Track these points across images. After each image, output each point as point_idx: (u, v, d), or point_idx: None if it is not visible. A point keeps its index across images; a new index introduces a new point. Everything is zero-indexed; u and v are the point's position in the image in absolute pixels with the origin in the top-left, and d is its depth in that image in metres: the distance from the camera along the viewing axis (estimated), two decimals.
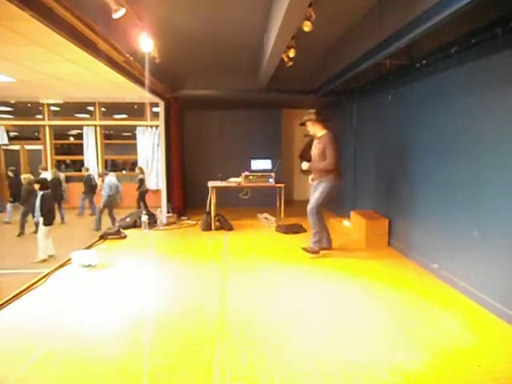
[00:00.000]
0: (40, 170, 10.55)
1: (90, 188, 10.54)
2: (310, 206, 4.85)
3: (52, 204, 7.15)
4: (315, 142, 4.97)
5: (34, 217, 7.50)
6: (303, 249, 4.92)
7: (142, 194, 10.36)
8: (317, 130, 4.93)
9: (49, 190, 6.99)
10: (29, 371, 2.46)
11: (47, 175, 10.02)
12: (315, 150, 4.91)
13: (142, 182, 10.43)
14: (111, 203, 9.13)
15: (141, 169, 10.67)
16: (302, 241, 5.49)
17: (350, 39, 4.73)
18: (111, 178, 9.23)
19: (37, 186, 6.92)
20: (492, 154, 3.34)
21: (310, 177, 5.11)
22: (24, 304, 3.54)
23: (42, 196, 6.72)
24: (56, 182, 10.17)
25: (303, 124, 5.05)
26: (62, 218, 10.20)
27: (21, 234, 8.72)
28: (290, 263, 4.71)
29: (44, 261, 6.60)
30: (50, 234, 6.88)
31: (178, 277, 4.30)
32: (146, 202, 10.24)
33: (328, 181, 4.75)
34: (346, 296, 3.70)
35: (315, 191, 4.87)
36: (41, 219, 6.71)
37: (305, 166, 4.99)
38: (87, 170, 10.93)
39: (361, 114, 6.78)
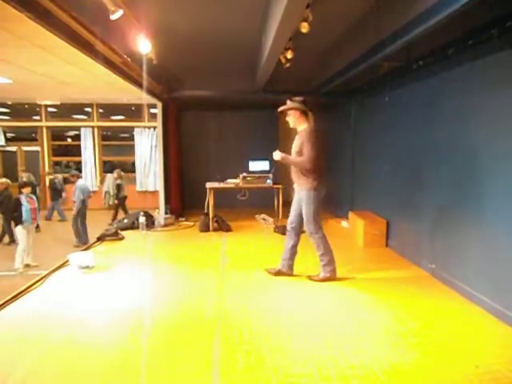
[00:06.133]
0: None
1: (56, 192, 10.06)
2: (307, 230, 4.08)
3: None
4: (296, 138, 4.16)
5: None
6: (309, 277, 4.15)
7: (121, 200, 9.76)
8: (300, 123, 4.09)
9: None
10: (29, 371, 2.46)
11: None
12: (294, 147, 4.12)
13: (119, 187, 9.75)
14: (84, 210, 8.09)
15: (119, 173, 9.96)
16: (300, 242, 5.48)
17: (348, 40, 4.74)
18: (82, 181, 8.43)
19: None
20: (489, 155, 3.35)
21: None
22: (22, 306, 3.53)
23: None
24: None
25: (282, 112, 4.18)
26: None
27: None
28: None
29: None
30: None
31: (176, 278, 4.29)
32: (127, 209, 9.68)
33: (309, 189, 3.97)
34: (344, 297, 3.70)
35: (299, 203, 4.12)
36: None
37: (277, 155, 4.07)
38: (49, 173, 10.46)
39: (359, 114, 6.79)
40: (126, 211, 9.57)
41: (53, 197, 10.19)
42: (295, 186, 4.18)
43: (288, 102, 4.14)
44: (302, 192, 4.05)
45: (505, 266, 3.12)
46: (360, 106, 6.75)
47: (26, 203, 6.40)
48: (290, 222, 4.25)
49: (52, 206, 10.41)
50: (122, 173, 10.12)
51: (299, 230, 4.21)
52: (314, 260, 4.44)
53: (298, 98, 4.10)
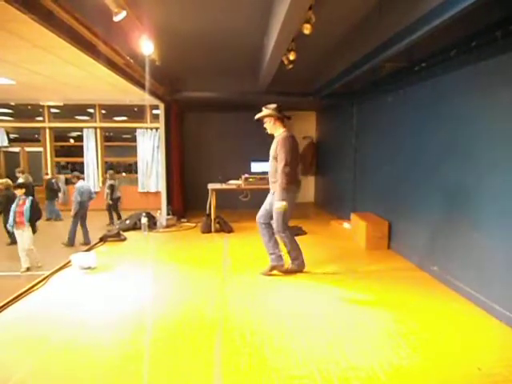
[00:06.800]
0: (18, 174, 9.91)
1: (52, 192, 10.28)
2: (275, 228, 4.29)
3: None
4: (273, 143, 4.30)
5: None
6: (286, 271, 4.35)
7: (115, 201, 9.64)
8: (276, 129, 4.29)
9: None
10: (30, 372, 2.47)
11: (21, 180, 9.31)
12: (271, 152, 4.28)
13: (112, 188, 9.60)
14: (84, 211, 7.95)
15: (111, 174, 9.98)
16: (301, 243, 5.48)
17: (350, 41, 4.74)
18: (83, 182, 8.22)
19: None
20: (491, 156, 3.34)
21: None
22: (24, 306, 3.54)
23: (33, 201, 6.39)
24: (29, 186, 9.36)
25: (259, 120, 4.37)
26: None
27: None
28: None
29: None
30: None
31: (178, 279, 4.29)
32: (120, 211, 9.60)
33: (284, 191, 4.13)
34: (345, 298, 3.69)
35: (271, 204, 4.28)
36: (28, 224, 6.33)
37: (278, 204, 4.09)
38: (46, 173, 10.68)
39: (361, 115, 6.79)
40: (118, 214, 9.53)
41: (48, 196, 10.26)
42: (271, 188, 4.36)
43: (263, 109, 4.32)
44: (277, 194, 4.17)
45: (505, 267, 3.11)
46: (362, 107, 6.74)
47: (14, 205, 6.22)
48: (258, 216, 4.46)
49: (47, 206, 10.35)
50: (124, 174, 10.13)
51: (268, 220, 4.37)
52: (313, 257, 4.48)
53: (272, 106, 4.28)
